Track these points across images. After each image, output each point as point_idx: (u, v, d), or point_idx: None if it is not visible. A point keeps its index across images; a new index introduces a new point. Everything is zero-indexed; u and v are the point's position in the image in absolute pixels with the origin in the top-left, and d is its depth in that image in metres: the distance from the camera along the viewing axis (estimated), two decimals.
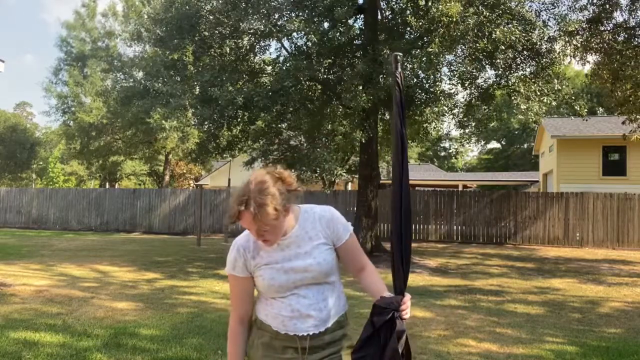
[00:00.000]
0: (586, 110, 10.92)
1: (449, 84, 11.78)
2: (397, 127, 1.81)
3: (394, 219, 1.77)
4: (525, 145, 47.73)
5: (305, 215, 1.86)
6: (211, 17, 10.95)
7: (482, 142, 52.41)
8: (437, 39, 9.17)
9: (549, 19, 11.00)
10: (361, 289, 1.95)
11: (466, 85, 11.16)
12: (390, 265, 1.78)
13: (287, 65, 10.72)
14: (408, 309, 1.70)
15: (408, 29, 10.81)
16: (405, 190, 1.78)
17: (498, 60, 9.88)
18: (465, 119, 12.24)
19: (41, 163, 51.94)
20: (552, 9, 10.95)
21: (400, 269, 1.74)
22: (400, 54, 2.01)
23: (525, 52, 10.35)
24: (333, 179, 15.54)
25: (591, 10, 11.57)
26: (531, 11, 10.50)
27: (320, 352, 1.76)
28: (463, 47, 10.42)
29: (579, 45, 11.69)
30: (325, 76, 11.19)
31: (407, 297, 1.71)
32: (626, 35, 11.80)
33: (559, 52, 10.81)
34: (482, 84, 11.49)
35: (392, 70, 1.87)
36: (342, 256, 1.87)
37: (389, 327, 1.65)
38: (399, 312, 1.66)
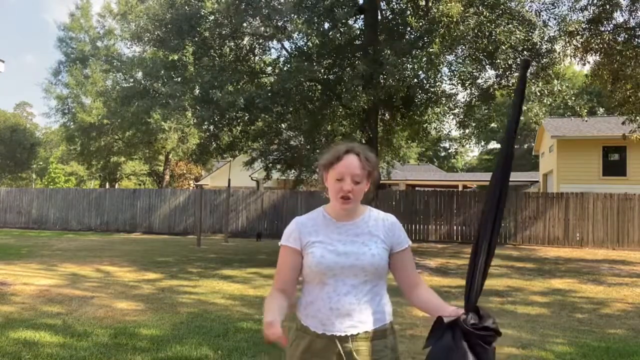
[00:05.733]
0: (586, 110, 10.92)
1: (449, 84, 11.79)
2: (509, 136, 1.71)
3: (486, 223, 1.67)
4: (525, 146, 47.74)
5: (371, 212, 1.89)
6: (211, 18, 10.95)
7: (482, 143, 52.44)
8: (437, 40, 9.17)
9: (549, 19, 11.00)
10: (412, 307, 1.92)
11: (466, 85, 11.17)
12: (467, 275, 1.71)
13: (288, 66, 10.72)
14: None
15: (408, 29, 10.82)
16: (503, 199, 1.68)
17: (498, 61, 9.88)
18: (465, 119, 12.24)
19: (41, 163, 51.98)
20: (552, 9, 10.95)
21: (479, 280, 1.66)
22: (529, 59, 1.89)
23: (525, 53, 10.35)
24: None
25: (591, 11, 11.57)
26: (531, 11, 10.50)
27: None
28: (463, 47, 10.42)
29: (579, 45, 11.70)
30: (325, 76, 11.19)
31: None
32: (626, 36, 11.80)
33: (559, 53, 10.81)
34: (482, 84, 11.49)
35: (520, 75, 1.73)
36: (396, 267, 1.84)
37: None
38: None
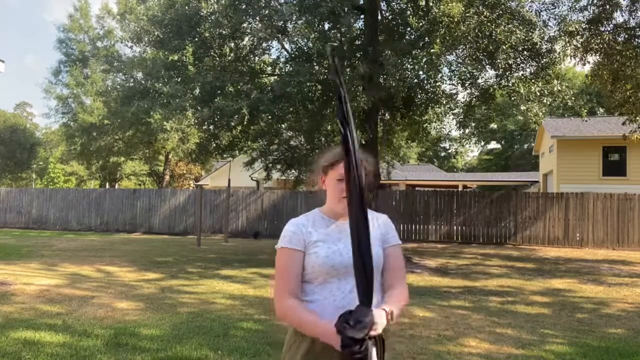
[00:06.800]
0: (586, 110, 10.91)
1: (449, 84, 11.78)
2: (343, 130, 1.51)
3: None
4: (525, 146, 47.73)
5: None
6: (211, 18, 10.94)
7: (482, 143, 52.44)
8: (438, 40, 9.16)
9: (549, 19, 10.99)
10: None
11: (466, 85, 11.16)
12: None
13: (288, 69, 10.71)
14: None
15: (408, 29, 10.81)
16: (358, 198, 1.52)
17: (498, 61, 9.88)
18: (465, 119, 12.24)
19: (41, 163, 51.97)
20: (552, 9, 10.93)
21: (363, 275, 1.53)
22: (335, 44, 1.72)
23: (525, 53, 10.34)
24: None
25: (591, 11, 11.56)
26: (531, 11, 10.49)
27: None
28: (464, 47, 10.41)
29: (579, 45, 11.69)
30: (325, 77, 11.18)
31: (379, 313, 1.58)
32: (626, 36, 11.79)
33: (559, 53, 10.81)
34: (482, 84, 11.49)
35: (330, 62, 1.59)
36: (384, 263, 1.82)
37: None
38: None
